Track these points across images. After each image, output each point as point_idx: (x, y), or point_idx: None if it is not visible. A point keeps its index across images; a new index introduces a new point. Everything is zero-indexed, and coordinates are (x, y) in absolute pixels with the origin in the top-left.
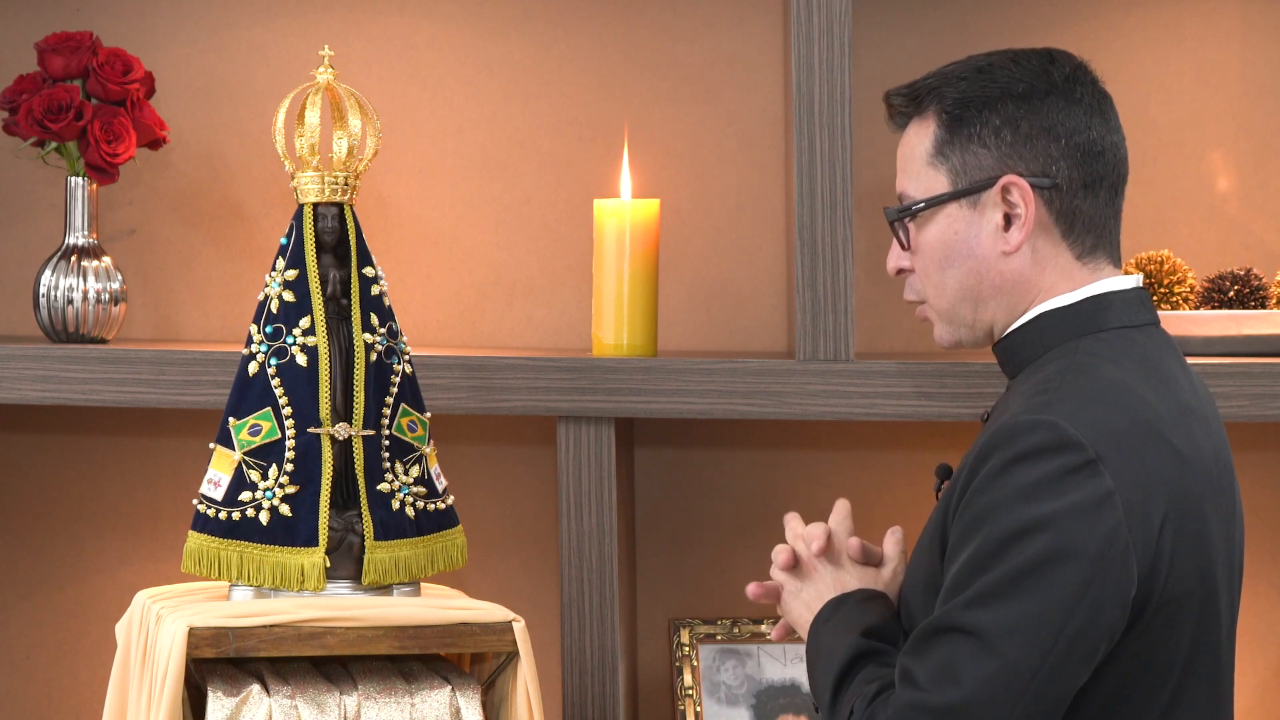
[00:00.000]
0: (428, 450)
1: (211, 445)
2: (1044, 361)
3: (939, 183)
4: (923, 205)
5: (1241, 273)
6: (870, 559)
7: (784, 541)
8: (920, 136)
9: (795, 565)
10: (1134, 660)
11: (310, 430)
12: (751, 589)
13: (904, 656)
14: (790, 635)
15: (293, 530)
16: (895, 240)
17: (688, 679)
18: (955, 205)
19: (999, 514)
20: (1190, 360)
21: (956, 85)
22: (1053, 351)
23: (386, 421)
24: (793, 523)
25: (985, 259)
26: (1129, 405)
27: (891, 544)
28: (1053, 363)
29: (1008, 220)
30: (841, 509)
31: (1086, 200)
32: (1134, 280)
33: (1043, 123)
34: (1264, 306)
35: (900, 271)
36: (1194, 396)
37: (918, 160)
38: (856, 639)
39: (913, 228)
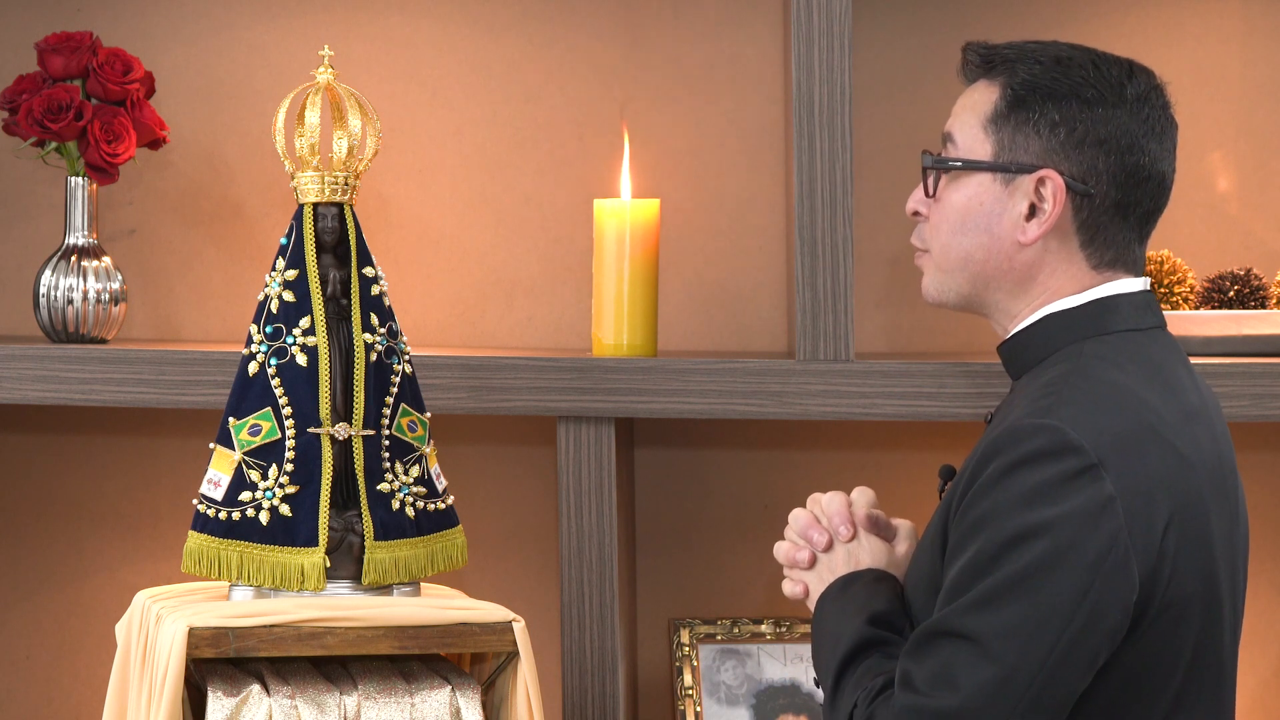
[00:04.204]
0: (428, 450)
1: (211, 445)
2: (1048, 364)
3: (983, 149)
4: (960, 164)
5: (1241, 273)
6: (882, 531)
7: (802, 508)
8: (983, 98)
9: (829, 548)
10: (1137, 664)
11: (310, 430)
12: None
13: (904, 659)
14: (805, 597)
15: (293, 530)
16: (922, 183)
17: (688, 679)
18: (989, 177)
19: (1000, 518)
20: (1190, 360)
21: (1031, 67)
22: (1057, 354)
23: (386, 421)
24: (815, 506)
25: (999, 240)
26: (1132, 409)
27: (905, 522)
28: (1057, 366)
29: (1032, 211)
30: (865, 490)
31: (1114, 219)
32: (1141, 283)
33: (1100, 133)
34: (1264, 306)
35: (916, 214)
36: (1199, 400)
37: (972, 118)
38: (863, 626)
39: (944, 179)
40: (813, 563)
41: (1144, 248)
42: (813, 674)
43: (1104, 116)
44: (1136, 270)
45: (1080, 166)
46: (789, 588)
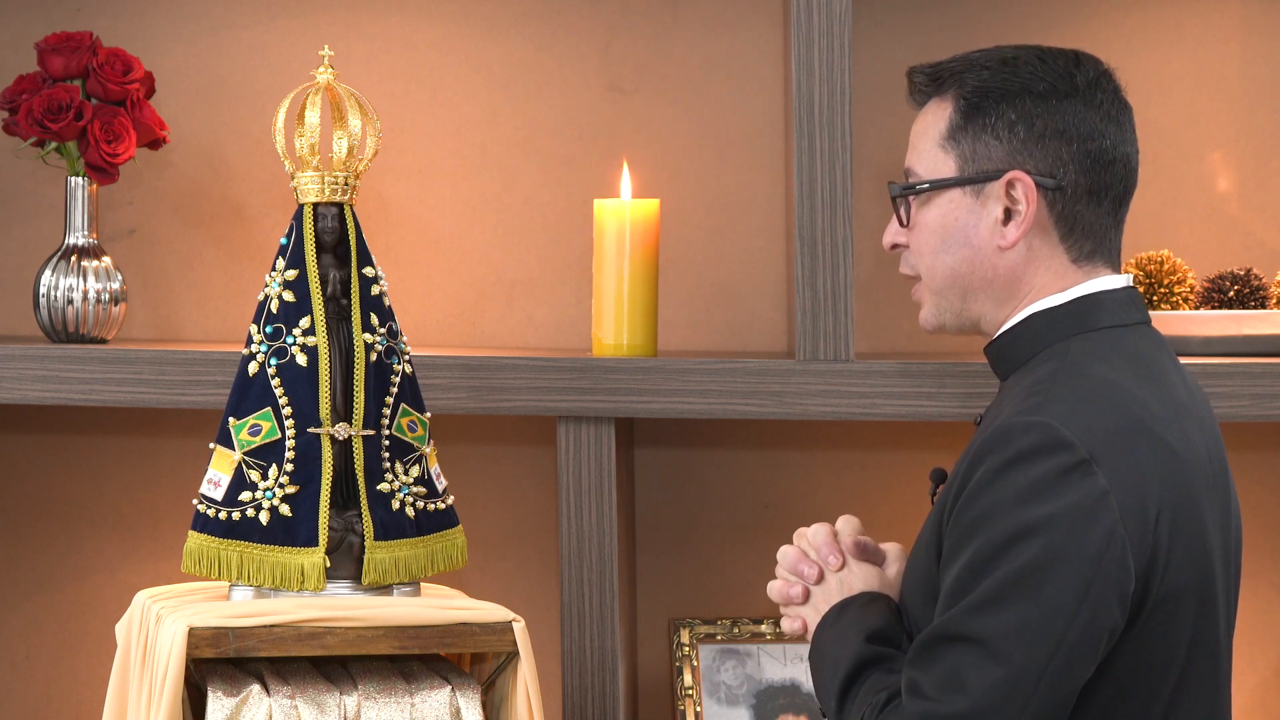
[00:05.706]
0: (428, 450)
1: (211, 445)
2: (1036, 363)
3: (947, 166)
4: (927, 186)
5: (1241, 273)
6: (871, 556)
7: (789, 544)
8: (936, 117)
9: (820, 580)
10: (1135, 658)
11: (310, 430)
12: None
13: (909, 667)
14: (805, 632)
15: (293, 530)
16: (895, 215)
17: (688, 679)
18: (959, 192)
19: (996, 518)
20: (1190, 360)
21: (979, 74)
22: (1044, 353)
23: (386, 421)
24: (802, 540)
25: (980, 250)
26: (1122, 404)
27: (893, 545)
28: (1044, 364)
29: (1008, 215)
30: (850, 519)
31: (1089, 207)
32: (1124, 280)
33: (1058, 124)
34: (1264, 306)
35: (895, 246)
36: (1187, 394)
37: (929, 140)
38: (861, 645)
39: (914, 205)
40: (806, 597)
41: (1120, 235)
42: (818, 704)
43: (1059, 108)
44: (1115, 262)
45: (1045, 161)
46: (787, 625)
